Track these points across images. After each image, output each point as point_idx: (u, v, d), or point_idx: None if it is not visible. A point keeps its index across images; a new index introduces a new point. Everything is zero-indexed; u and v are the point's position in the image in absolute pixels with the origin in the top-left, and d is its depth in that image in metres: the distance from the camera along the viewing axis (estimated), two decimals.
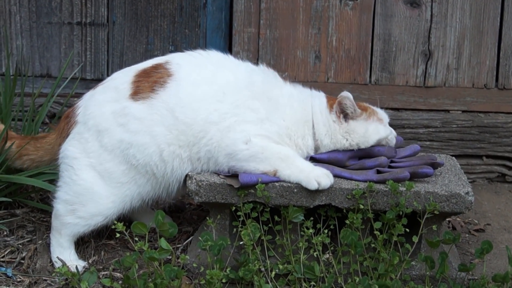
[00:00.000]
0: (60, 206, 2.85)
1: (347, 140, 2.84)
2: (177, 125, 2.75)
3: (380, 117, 2.90)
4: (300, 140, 2.84)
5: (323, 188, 2.70)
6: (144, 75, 2.81)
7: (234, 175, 2.74)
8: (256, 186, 2.68)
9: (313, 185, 2.69)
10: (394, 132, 2.95)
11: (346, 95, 2.84)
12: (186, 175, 2.79)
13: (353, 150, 2.86)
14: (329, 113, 2.86)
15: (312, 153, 2.86)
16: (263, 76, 2.87)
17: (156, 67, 2.83)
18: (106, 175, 2.80)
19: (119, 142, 2.78)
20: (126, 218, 3.07)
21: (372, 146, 2.86)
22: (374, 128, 2.86)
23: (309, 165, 2.76)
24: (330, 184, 2.70)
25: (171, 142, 2.76)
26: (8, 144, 2.98)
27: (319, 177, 2.70)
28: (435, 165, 2.84)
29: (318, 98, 2.91)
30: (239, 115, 2.76)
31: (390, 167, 2.84)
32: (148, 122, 2.75)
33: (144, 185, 2.82)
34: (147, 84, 2.78)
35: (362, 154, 2.87)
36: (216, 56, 2.92)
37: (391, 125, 3.65)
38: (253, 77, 2.85)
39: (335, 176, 2.75)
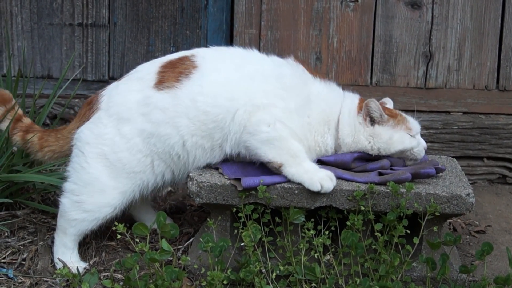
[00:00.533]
0: (66, 200, 2.83)
1: (369, 142, 2.84)
2: (199, 116, 2.74)
3: (410, 126, 2.87)
4: (319, 137, 2.84)
5: (325, 192, 2.70)
6: (170, 66, 2.82)
7: (237, 178, 2.74)
8: (258, 188, 2.68)
9: (316, 187, 2.69)
10: (423, 144, 2.90)
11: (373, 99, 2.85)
12: (187, 176, 2.79)
13: (365, 153, 2.85)
14: (356, 114, 2.85)
15: (331, 152, 2.86)
16: (291, 70, 2.86)
17: (182, 59, 2.83)
18: (119, 165, 2.79)
19: (140, 131, 2.77)
20: (127, 219, 3.07)
21: (394, 154, 2.85)
22: (399, 137, 2.84)
23: (315, 167, 2.76)
24: (332, 187, 2.71)
25: (194, 133, 2.76)
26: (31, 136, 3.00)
27: (322, 180, 2.70)
28: (437, 170, 2.84)
29: (351, 99, 2.91)
30: (269, 99, 2.76)
31: (392, 169, 2.83)
32: (171, 113, 2.75)
33: (163, 172, 2.83)
34: (172, 75, 2.78)
35: (369, 158, 2.87)
36: (241, 50, 2.93)
37: None
38: (282, 70, 2.84)
39: (337, 177, 2.75)
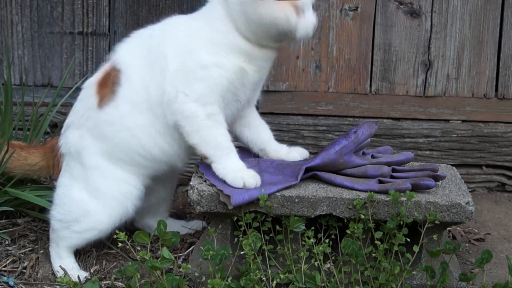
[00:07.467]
0: (55, 223, 2.90)
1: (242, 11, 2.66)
2: (151, 104, 2.76)
3: None
4: None
5: (248, 188, 2.71)
6: (103, 83, 2.85)
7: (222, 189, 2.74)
8: (259, 196, 2.68)
9: (239, 184, 2.72)
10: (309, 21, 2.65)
11: None
12: (188, 185, 2.80)
13: (345, 147, 2.84)
14: None
15: None
16: None
17: (109, 72, 2.86)
18: (96, 193, 2.83)
19: (101, 152, 2.81)
20: (126, 227, 3.08)
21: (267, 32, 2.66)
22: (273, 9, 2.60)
23: (241, 164, 2.78)
24: (255, 184, 2.72)
25: (147, 128, 2.79)
26: None
27: (244, 178, 2.73)
28: (437, 178, 2.84)
29: None
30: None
31: (392, 177, 2.84)
32: (120, 119, 2.78)
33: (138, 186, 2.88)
34: (108, 89, 2.82)
35: (355, 149, 2.85)
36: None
37: (391, 135, 3.68)
38: None
39: (337, 185, 2.75)
